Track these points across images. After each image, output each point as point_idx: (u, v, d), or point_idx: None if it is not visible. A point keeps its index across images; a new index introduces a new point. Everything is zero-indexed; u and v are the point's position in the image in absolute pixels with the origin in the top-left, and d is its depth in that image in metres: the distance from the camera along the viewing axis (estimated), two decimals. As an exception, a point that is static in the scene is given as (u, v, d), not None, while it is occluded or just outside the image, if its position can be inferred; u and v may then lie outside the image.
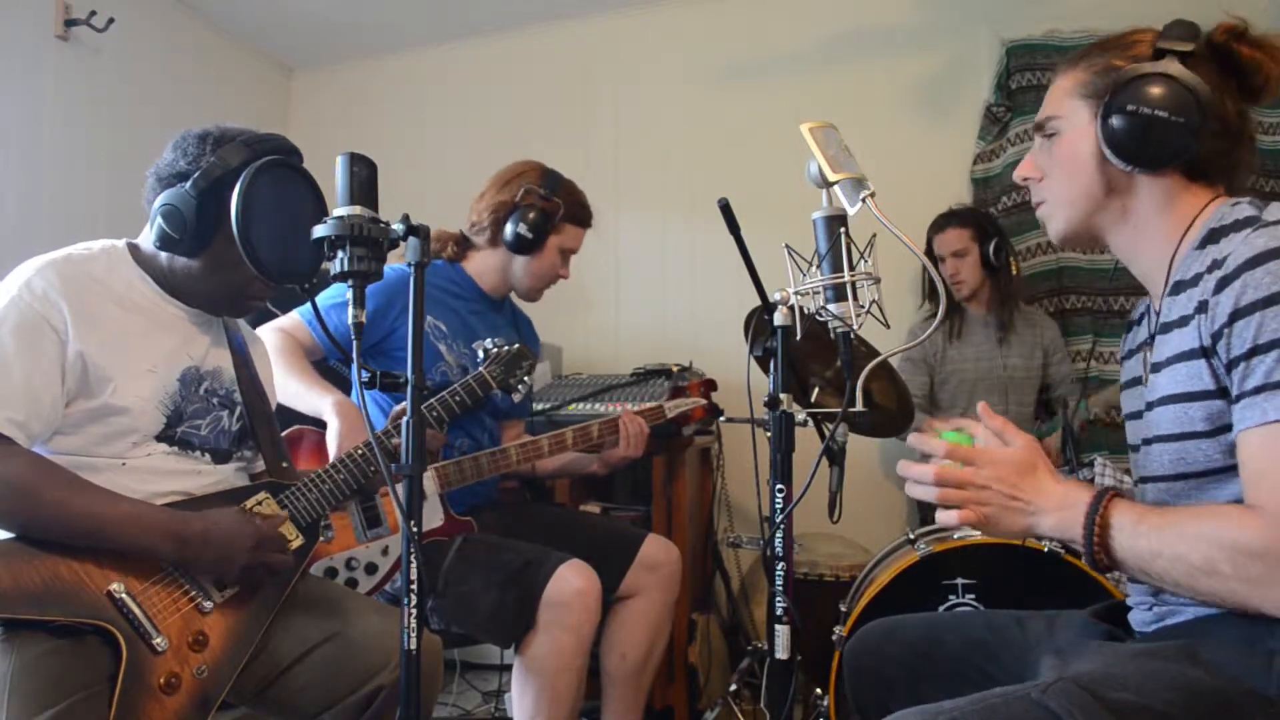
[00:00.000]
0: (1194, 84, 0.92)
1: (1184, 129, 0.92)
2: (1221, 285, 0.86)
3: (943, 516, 0.92)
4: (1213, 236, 0.92)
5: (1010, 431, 0.95)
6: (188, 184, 1.18)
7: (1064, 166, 1.03)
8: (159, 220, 1.19)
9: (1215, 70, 0.95)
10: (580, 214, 1.94)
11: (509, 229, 1.85)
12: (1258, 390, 0.82)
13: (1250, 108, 0.98)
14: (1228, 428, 0.88)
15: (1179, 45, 0.95)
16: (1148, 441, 1.00)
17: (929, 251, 2.52)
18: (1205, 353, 0.88)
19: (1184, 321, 0.92)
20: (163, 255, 1.26)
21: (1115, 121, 0.95)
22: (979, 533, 1.59)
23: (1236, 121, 0.96)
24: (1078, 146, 1.01)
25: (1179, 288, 0.95)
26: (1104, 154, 0.97)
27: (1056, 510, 0.89)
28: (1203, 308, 0.88)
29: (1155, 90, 0.93)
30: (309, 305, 1.17)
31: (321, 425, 1.62)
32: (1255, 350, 0.82)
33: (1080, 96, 1.01)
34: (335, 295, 1.73)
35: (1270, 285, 0.82)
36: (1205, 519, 0.84)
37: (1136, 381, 1.06)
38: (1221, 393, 0.88)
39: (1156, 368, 0.98)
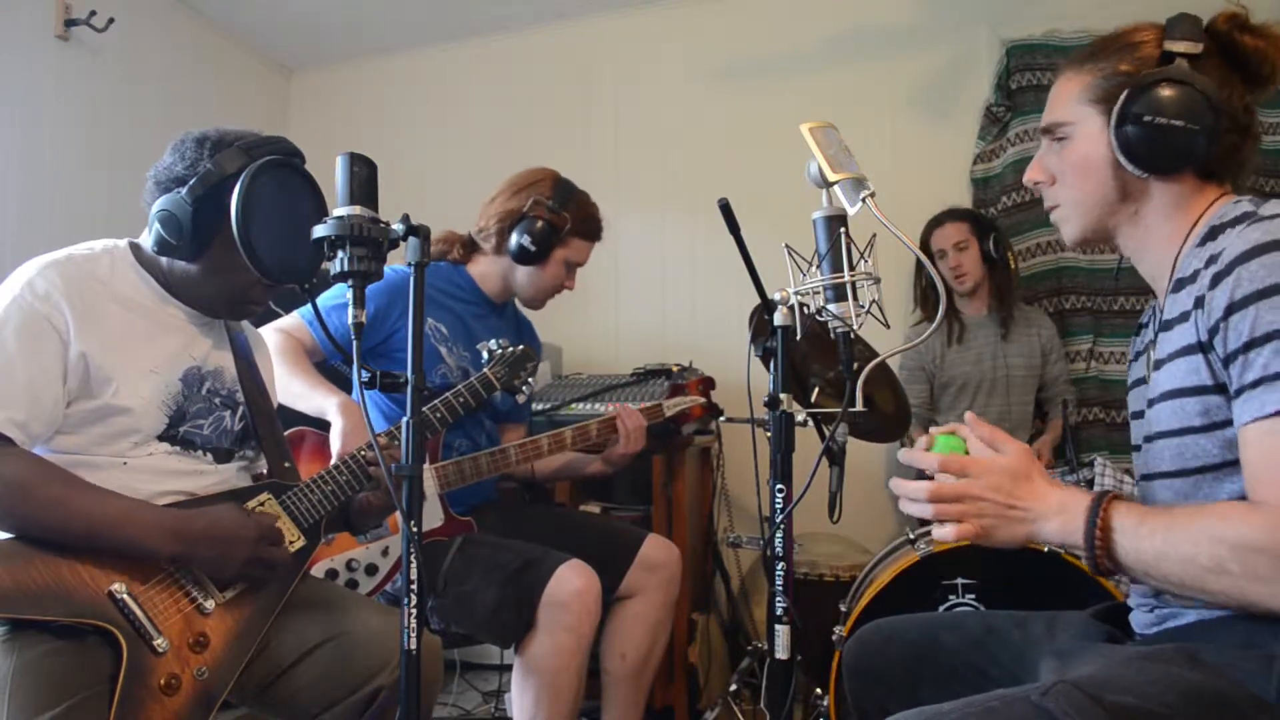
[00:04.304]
0: (1206, 88, 0.92)
1: (1198, 135, 0.92)
2: (1216, 280, 0.86)
3: (940, 533, 0.91)
4: (1213, 234, 0.92)
5: (1002, 439, 0.94)
6: (184, 190, 1.17)
7: (1077, 172, 1.03)
8: (156, 226, 1.19)
9: (1221, 66, 0.95)
10: (589, 228, 1.92)
11: (514, 239, 1.84)
12: (1255, 384, 0.82)
13: (1254, 102, 0.97)
14: (1223, 423, 0.88)
15: (1186, 47, 0.95)
16: (1149, 439, 0.99)
17: (924, 251, 2.52)
18: (1202, 348, 0.88)
19: (1184, 317, 0.92)
20: (162, 258, 1.26)
21: (1130, 130, 0.95)
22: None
23: (1244, 117, 0.96)
24: (1090, 153, 1.00)
25: (1180, 285, 0.95)
26: (1118, 161, 0.97)
27: (1055, 515, 0.89)
28: (1199, 303, 0.88)
29: (1168, 98, 0.93)
30: (310, 306, 1.17)
31: (322, 426, 1.62)
32: (1251, 343, 0.82)
33: (1089, 102, 1.00)
34: (336, 296, 1.73)
35: (1265, 278, 0.82)
36: (1208, 517, 0.83)
37: (1141, 382, 1.06)
38: (1218, 388, 0.88)
39: (1158, 364, 0.98)
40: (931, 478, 0.95)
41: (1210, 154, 0.94)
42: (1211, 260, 0.88)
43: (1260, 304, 0.81)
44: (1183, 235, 0.97)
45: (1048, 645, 1.07)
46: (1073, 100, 1.02)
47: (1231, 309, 0.84)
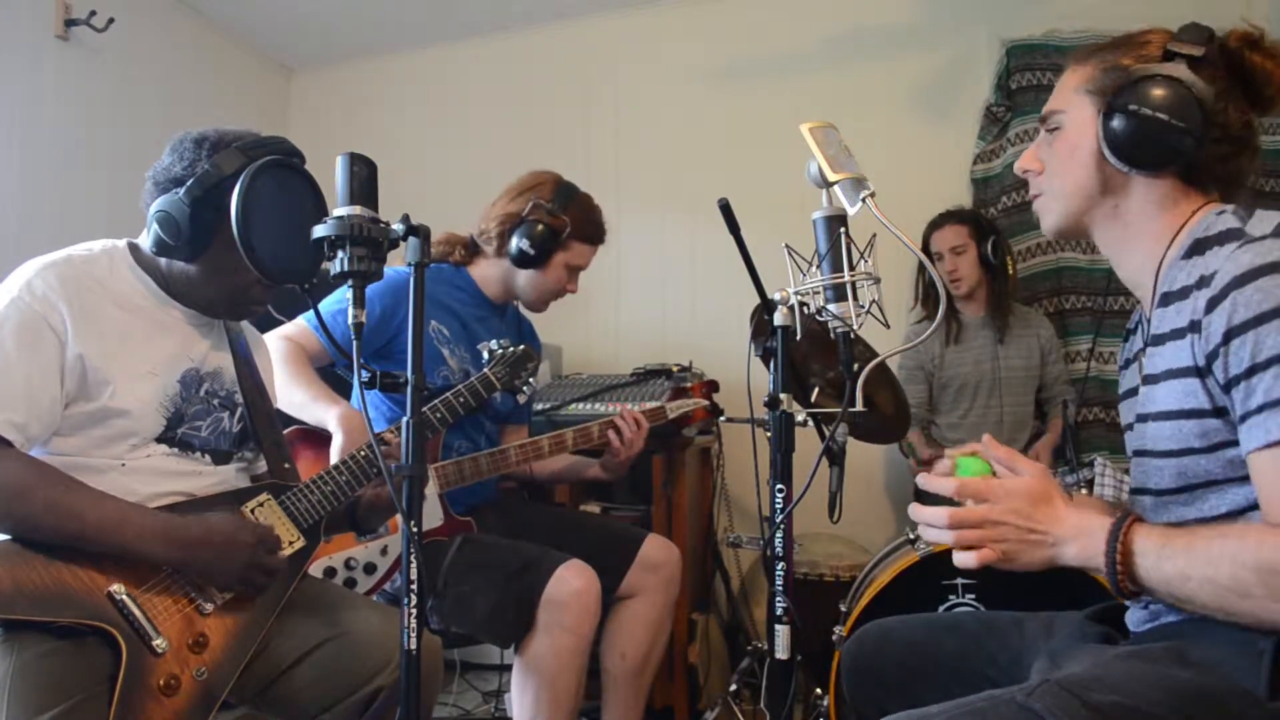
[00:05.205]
0: (1198, 88, 0.92)
1: (1184, 134, 0.91)
2: (1212, 305, 0.85)
3: (961, 559, 0.90)
4: (1198, 248, 0.91)
5: (1020, 461, 0.93)
6: (181, 190, 1.17)
7: (1062, 161, 1.02)
8: (154, 226, 1.19)
9: (1224, 77, 0.94)
10: (590, 232, 1.91)
11: (513, 242, 1.84)
12: (1260, 409, 0.81)
13: (1258, 117, 0.97)
14: (1223, 444, 0.87)
15: (1188, 49, 0.94)
16: (1143, 453, 0.99)
17: (925, 252, 2.52)
18: (1199, 372, 0.88)
19: (1177, 335, 0.91)
20: (161, 259, 1.26)
21: (1116, 121, 0.95)
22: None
23: (1241, 130, 0.95)
24: (1078, 142, 1.00)
25: (1167, 299, 0.94)
26: (1102, 152, 0.97)
27: (1076, 539, 0.88)
28: (1195, 327, 0.87)
29: (1158, 92, 0.92)
30: (314, 312, 1.18)
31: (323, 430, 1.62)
32: (1254, 369, 0.81)
33: (1085, 92, 1.00)
34: (339, 300, 1.73)
35: (1261, 303, 0.81)
36: (1229, 539, 0.82)
37: (1133, 392, 1.06)
38: (1217, 412, 0.87)
39: (1150, 380, 0.97)
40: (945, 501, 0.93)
41: (1195, 158, 0.93)
42: (1203, 281, 0.87)
43: (1260, 329, 0.81)
44: (1165, 241, 0.96)
45: (1044, 646, 1.07)
46: (1071, 91, 1.02)
47: (1230, 334, 0.83)
